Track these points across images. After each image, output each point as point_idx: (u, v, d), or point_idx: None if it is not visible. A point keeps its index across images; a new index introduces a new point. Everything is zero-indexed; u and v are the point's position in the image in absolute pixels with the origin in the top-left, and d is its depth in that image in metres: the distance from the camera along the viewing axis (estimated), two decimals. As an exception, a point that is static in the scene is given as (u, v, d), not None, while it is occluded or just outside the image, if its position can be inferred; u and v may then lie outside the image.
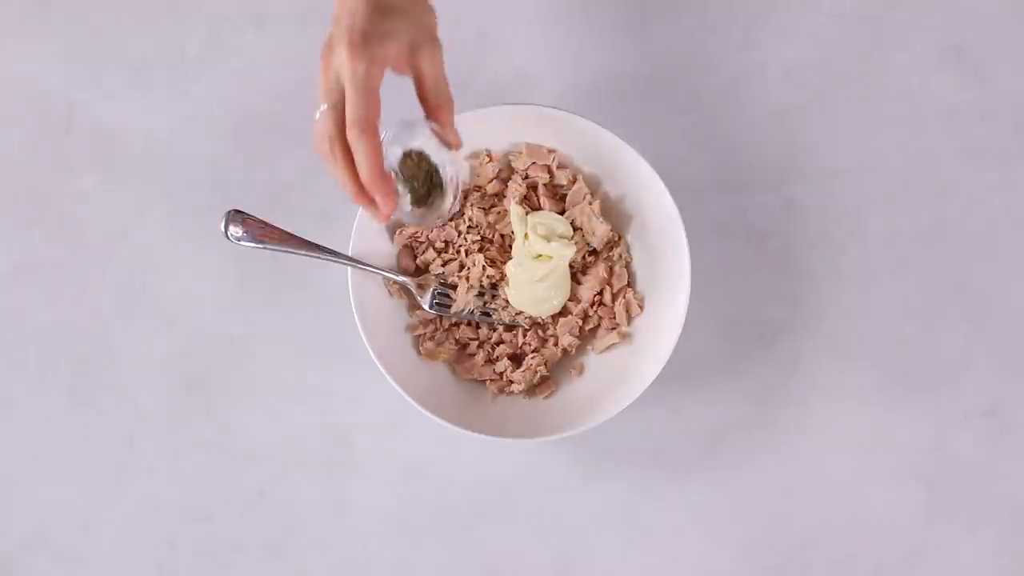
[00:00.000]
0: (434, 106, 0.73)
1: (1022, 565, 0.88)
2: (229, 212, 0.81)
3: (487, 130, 0.86)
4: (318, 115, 0.70)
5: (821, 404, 0.89)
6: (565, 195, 0.87)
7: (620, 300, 0.86)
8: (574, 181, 0.87)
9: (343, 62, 0.68)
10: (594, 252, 0.88)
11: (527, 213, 0.86)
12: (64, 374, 0.89)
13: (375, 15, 0.68)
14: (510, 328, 0.87)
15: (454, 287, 0.86)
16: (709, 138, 0.92)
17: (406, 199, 0.77)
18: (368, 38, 0.68)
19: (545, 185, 0.87)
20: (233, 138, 0.92)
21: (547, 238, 0.84)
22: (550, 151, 0.86)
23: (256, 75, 0.93)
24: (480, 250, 0.87)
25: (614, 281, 0.86)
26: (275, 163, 0.91)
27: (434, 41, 0.72)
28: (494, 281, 0.86)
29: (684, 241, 0.82)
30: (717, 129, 0.92)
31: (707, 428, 0.89)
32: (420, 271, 0.87)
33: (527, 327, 0.87)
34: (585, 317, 0.87)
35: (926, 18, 0.94)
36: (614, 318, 0.86)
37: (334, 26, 0.69)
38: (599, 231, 0.86)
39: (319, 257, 0.82)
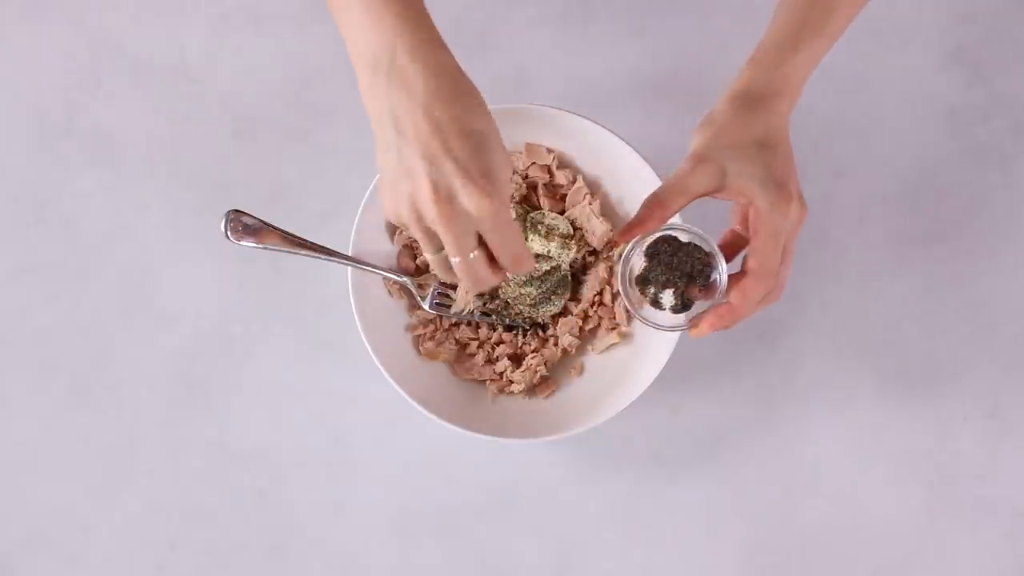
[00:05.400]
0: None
1: (1022, 565, 0.88)
2: (229, 212, 0.81)
3: (487, 130, 0.85)
4: (437, 255, 0.65)
5: (821, 404, 0.89)
6: (565, 195, 0.87)
7: (620, 300, 0.86)
8: (574, 181, 0.87)
9: (481, 209, 0.61)
10: (594, 252, 0.88)
11: (527, 213, 0.86)
12: (64, 374, 0.89)
13: (474, 146, 0.62)
14: (510, 328, 0.87)
15: (454, 287, 0.86)
16: (709, 138, 0.92)
17: (647, 304, 0.73)
18: (490, 176, 0.61)
19: (545, 185, 0.87)
20: (233, 138, 0.92)
21: (547, 238, 0.84)
22: (550, 151, 0.86)
23: (256, 75, 0.93)
24: (480, 250, 0.87)
25: (614, 281, 0.86)
26: (275, 163, 0.91)
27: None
28: (494, 281, 0.86)
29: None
30: (717, 129, 0.92)
31: (707, 428, 0.89)
32: (420, 271, 0.87)
33: (527, 327, 0.87)
34: (585, 317, 0.87)
35: (926, 18, 0.94)
36: (614, 318, 0.86)
37: (430, 166, 0.61)
38: (599, 231, 0.86)
39: (319, 257, 0.82)
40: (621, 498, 0.88)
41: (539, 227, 0.85)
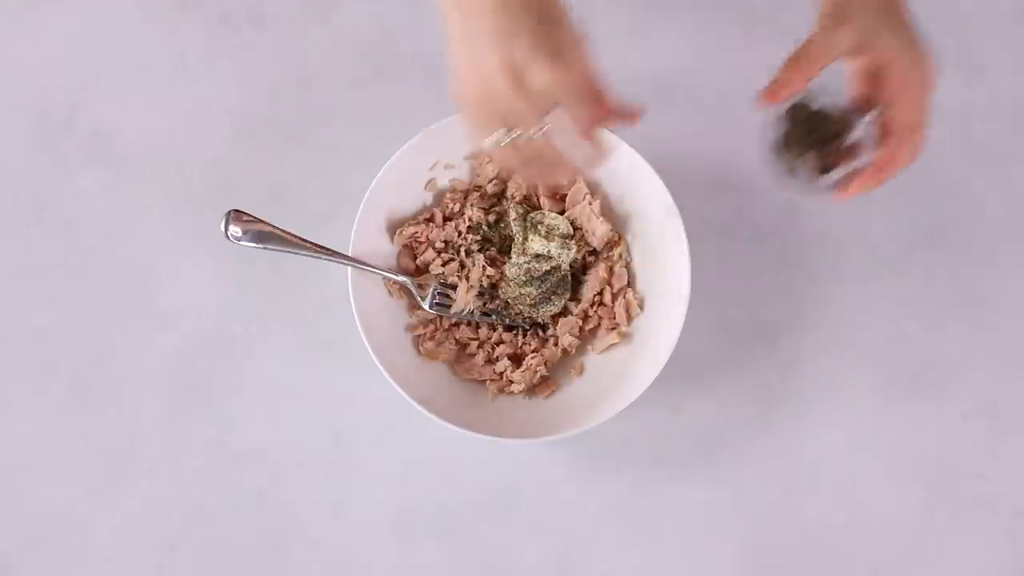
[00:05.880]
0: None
1: (1022, 565, 0.88)
2: (229, 212, 0.81)
3: (487, 130, 0.86)
4: (502, 139, 0.66)
5: (821, 404, 0.89)
6: (565, 195, 0.87)
7: (620, 300, 0.86)
8: (574, 181, 0.87)
9: (552, 83, 0.63)
10: (594, 252, 0.88)
11: (527, 213, 0.87)
12: (64, 374, 0.89)
13: (541, 23, 0.63)
14: (510, 328, 0.87)
15: (454, 287, 0.86)
16: (710, 138, 0.92)
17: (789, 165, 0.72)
18: (561, 51, 0.64)
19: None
20: (233, 138, 0.92)
21: (547, 238, 0.84)
22: (550, 151, 0.86)
23: (256, 75, 0.93)
24: (480, 250, 0.87)
25: (614, 281, 0.87)
26: (275, 163, 0.92)
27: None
28: (494, 281, 0.87)
29: (684, 241, 0.82)
30: (718, 129, 0.92)
31: (707, 428, 0.89)
32: (420, 271, 0.87)
33: (527, 327, 0.87)
34: (585, 317, 0.87)
35: (926, 18, 0.94)
36: (614, 318, 0.86)
37: (501, 44, 0.63)
38: (599, 231, 0.86)
39: (319, 257, 0.82)
40: (621, 498, 0.88)
41: (539, 227, 0.85)
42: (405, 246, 0.87)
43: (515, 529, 0.88)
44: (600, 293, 0.87)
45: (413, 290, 0.85)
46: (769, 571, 0.87)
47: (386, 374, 0.81)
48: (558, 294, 0.86)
